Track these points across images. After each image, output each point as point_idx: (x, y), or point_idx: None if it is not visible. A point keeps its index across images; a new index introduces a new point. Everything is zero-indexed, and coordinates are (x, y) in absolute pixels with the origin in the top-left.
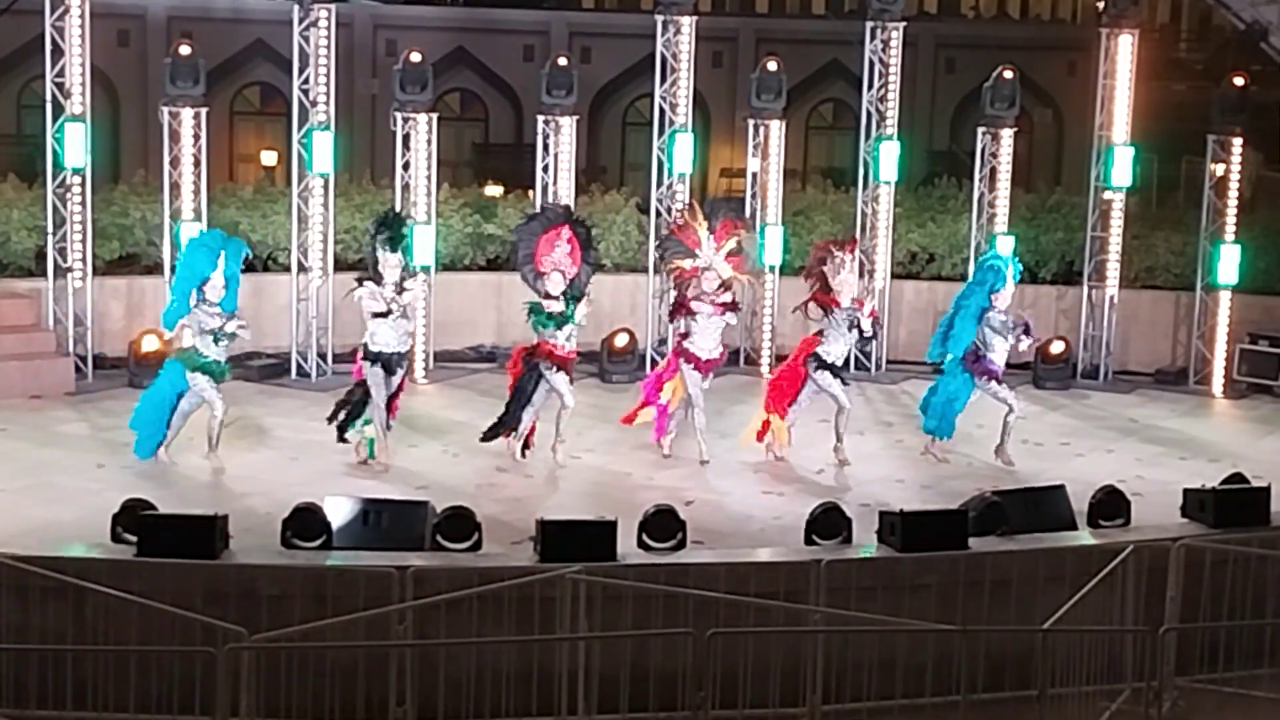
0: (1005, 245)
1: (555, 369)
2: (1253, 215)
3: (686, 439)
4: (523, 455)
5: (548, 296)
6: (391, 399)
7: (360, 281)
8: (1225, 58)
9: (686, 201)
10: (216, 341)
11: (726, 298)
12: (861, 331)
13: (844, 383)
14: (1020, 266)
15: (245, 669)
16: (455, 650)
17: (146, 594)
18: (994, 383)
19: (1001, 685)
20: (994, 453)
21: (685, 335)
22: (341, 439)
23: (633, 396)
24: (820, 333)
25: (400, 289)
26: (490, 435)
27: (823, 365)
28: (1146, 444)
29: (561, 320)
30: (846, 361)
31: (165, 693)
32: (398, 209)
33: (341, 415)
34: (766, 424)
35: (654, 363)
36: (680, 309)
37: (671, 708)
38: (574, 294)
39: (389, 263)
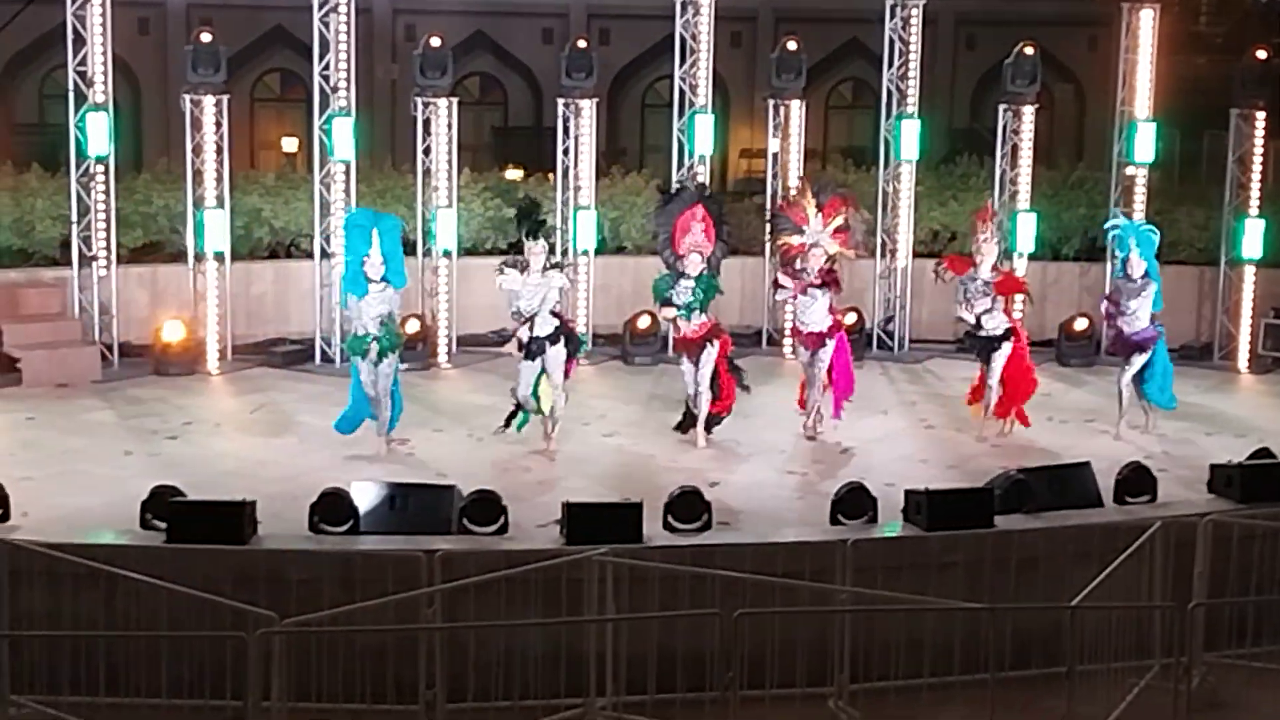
0: (1025, 222)
1: (681, 350)
2: (1275, 188)
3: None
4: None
5: (684, 277)
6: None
7: (502, 268)
8: (1245, 31)
9: (800, 179)
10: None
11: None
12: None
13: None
14: (1150, 232)
15: (276, 653)
16: (483, 633)
17: (176, 580)
18: (1136, 352)
19: (1029, 663)
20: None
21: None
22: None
23: (655, 378)
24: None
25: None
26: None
27: (972, 336)
28: (1172, 419)
29: (694, 304)
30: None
31: (196, 677)
32: (419, 193)
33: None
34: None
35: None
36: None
37: (699, 688)
38: (713, 270)
39: (533, 250)
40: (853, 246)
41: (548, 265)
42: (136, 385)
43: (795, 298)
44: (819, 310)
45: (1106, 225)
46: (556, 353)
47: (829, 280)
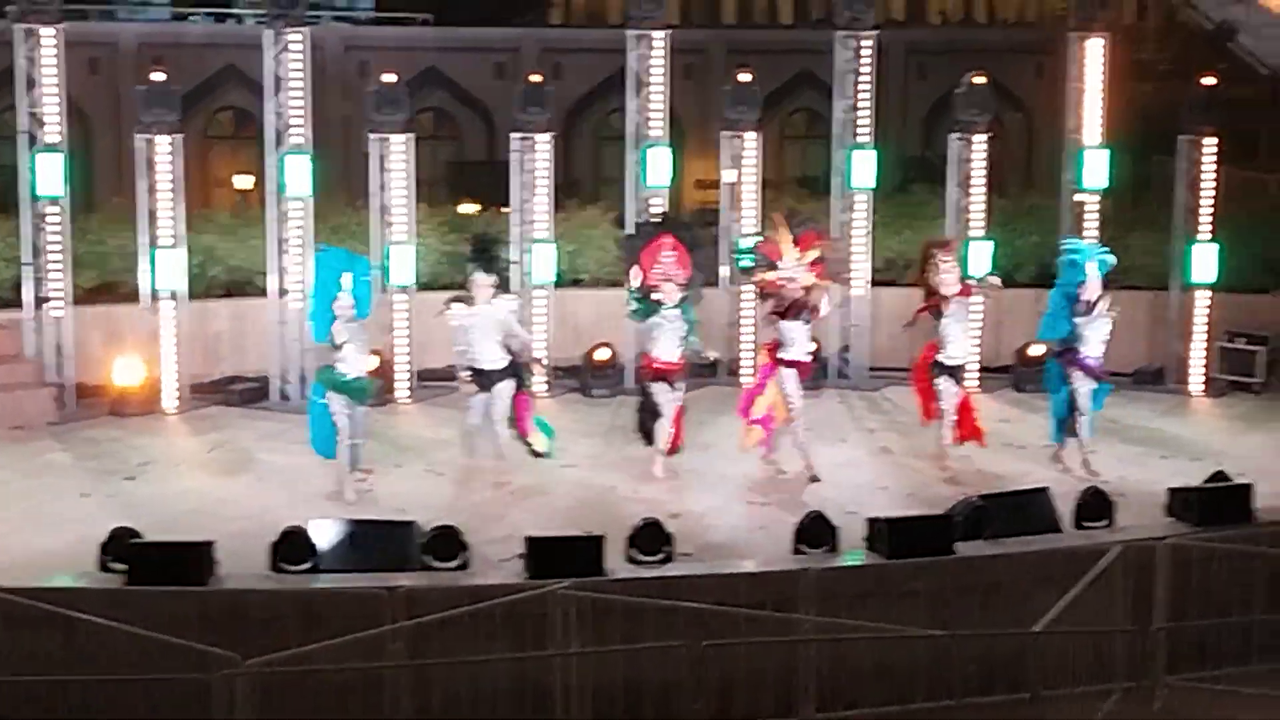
0: (981, 250)
1: (656, 380)
2: (1226, 213)
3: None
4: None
5: (664, 307)
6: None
7: (447, 304)
8: (1192, 57)
9: (777, 214)
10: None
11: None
12: None
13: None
14: (1103, 254)
15: (239, 694)
16: (449, 669)
17: (138, 622)
18: (1085, 378)
19: (994, 689)
20: (1080, 467)
21: (777, 345)
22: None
23: (614, 410)
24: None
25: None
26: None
27: (944, 370)
28: (1128, 444)
29: (686, 326)
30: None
31: None
32: (374, 230)
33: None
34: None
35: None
36: (783, 313)
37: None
38: (693, 300)
39: (480, 283)
40: (830, 277)
41: (494, 295)
42: (92, 426)
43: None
44: (805, 340)
45: (1065, 245)
46: (504, 388)
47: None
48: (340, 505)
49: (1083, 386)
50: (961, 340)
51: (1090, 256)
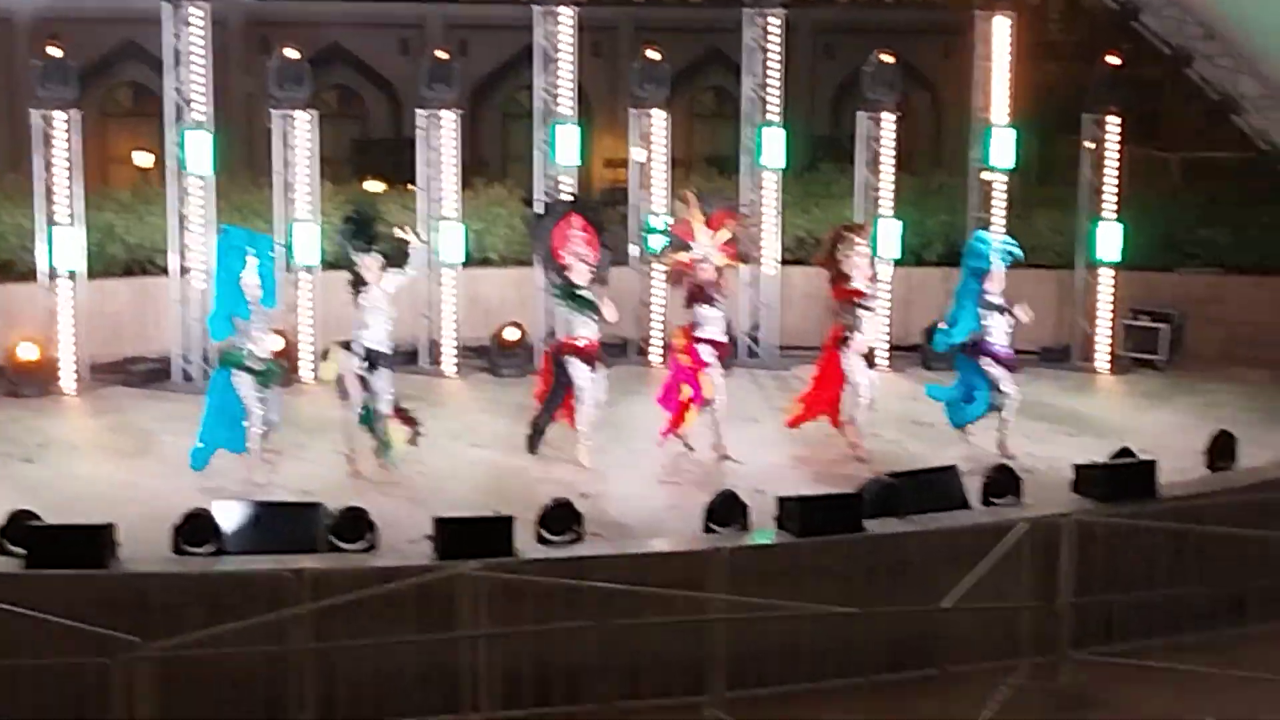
0: (889, 228)
1: (578, 361)
2: (1130, 192)
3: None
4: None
5: (575, 287)
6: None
7: (355, 288)
8: (1097, 37)
9: (685, 193)
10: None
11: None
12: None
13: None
14: (1013, 247)
15: (140, 679)
16: (356, 652)
17: (36, 606)
18: (995, 366)
19: (903, 665)
20: (996, 446)
21: (694, 326)
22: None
23: (524, 390)
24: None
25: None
26: (532, 445)
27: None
28: (1035, 421)
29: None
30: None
31: (60, 706)
32: (277, 208)
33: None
34: (800, 419)
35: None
36: (695, 297)
37: (576, 701)
38: (601, 279)
39: (367, 264)
40: (741, 258)
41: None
42: None
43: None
44: (722, 322)
45: (979, 235)
46: (387, 374)
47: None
48: (245, 486)
49: (997, 371)
50: (873, 324)
51: (995, 249)
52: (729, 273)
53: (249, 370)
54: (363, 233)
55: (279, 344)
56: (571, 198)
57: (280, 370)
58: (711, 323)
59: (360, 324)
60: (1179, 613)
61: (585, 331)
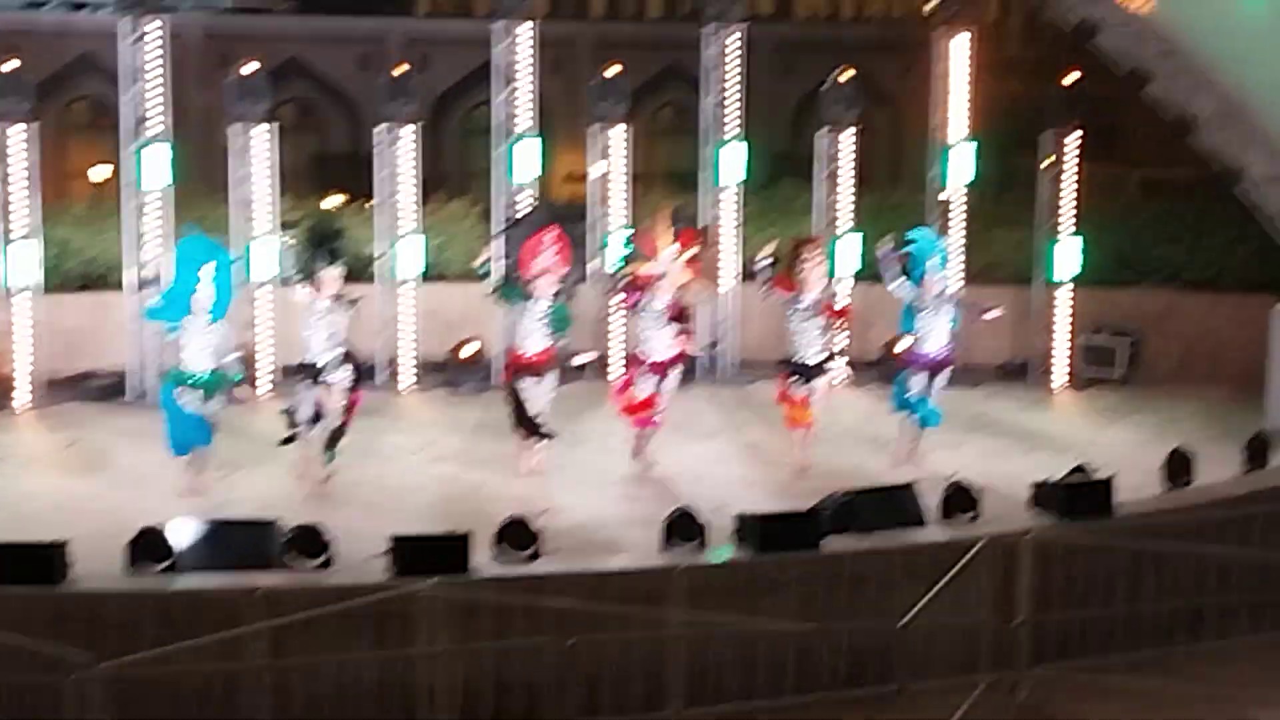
0: (849, 245)
1: (523, 375)
2: (1088, 208)
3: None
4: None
5: (535, 301)
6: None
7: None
8: (1056, 54)
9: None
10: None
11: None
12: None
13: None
14: (938, 247)
15: (93, 698)
16: (312, 670)
17: None
18: (918, 374)
19: (862, 681)
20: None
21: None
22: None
23: (483, 405)
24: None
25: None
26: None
27: (795, 371)
28: (993, 438)
29: (560, 321)
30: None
31: None
32: (233, 223)
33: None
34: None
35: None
36: (625, 300)
37: (535, 718)
38: (567, 295)
39: (329, 277)
40: (701, 278)
41: (341, 295)
42: None
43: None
44: (663, 340)
45: (908, 236)
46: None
47: (678, 315)
48: (199, 504)
49: (916, 382)
50: (815, 341)
51: (929, 252)
52: (692, 290)
53: (186, 384)
54: (326, 246)
55: (227, 354)
56: (549, 209)
57: (222, 379)
58: (653, 338)
59: (311, 337)
60: (1137, 629)
61: (530, 344)
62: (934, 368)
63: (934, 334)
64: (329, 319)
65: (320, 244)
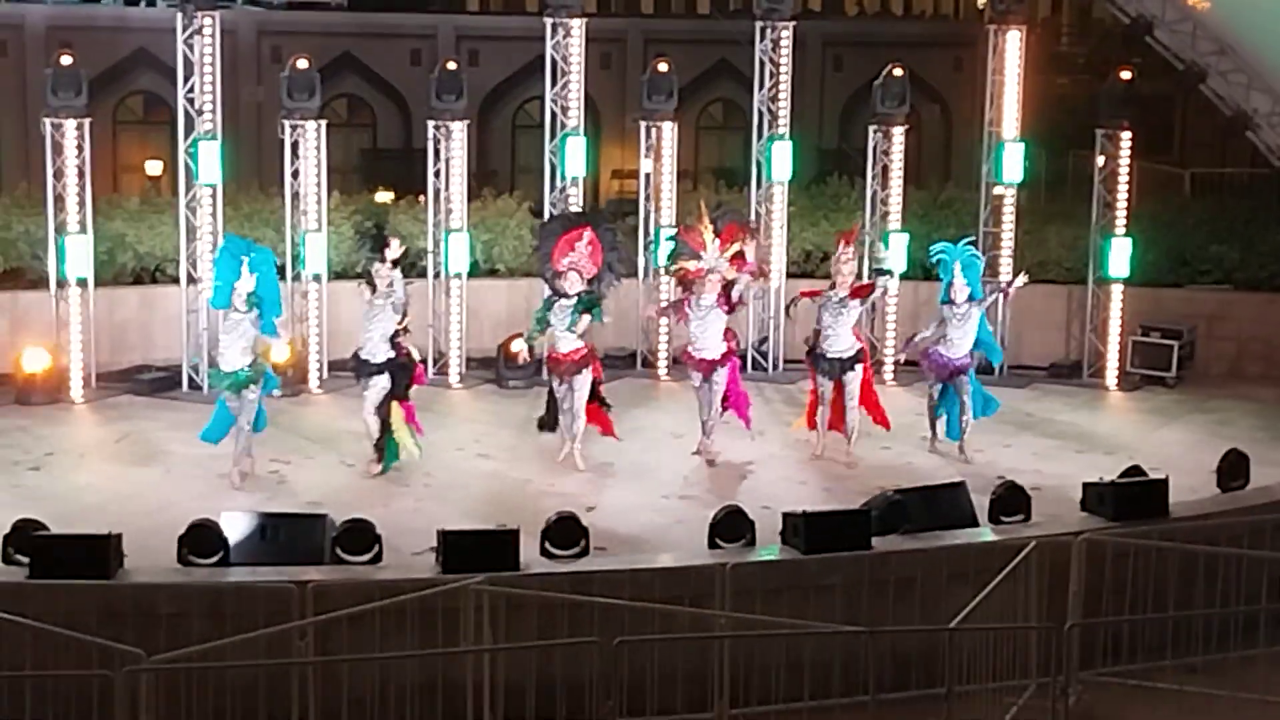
0: (899, 242)
1: (551, 374)
2: (1141, 207)
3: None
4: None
5: (563, 295)
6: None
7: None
8: (1108, 51)
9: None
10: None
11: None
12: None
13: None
14: (972, 254)
15: (144, 691)
16: (358, 665)
17: (40, 616)
18: (956, 376)
19: (908, 684)
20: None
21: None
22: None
23: (530, 401)
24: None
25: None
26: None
27: (819, 363)
28: (1043, 438)
29: (571, 324)
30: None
31: (62, 717)
32: (287, 217)
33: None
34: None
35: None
36: (673, 308)
37: (579, 716)
38: (596, 293)
39: (381, 274)
40: (751, 273)
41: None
42: None
43: (685, 321)
44: (714, 336)
45: (932, 250)
46: (379, 381)
47: (729, 304)
48: (251, 497)
49: (935, 384)
50: (845, 334)
51: (957, 257)
52: (739, 286)
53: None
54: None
55: (283, 354)
56: (588, 210)
57: (251, 375)
58: (699, 337)
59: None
60: (1189, 634)
61: (563, 345)
62: (954, 372)
63: (961, 340)
64: (376, 313)
65: (375, 246)
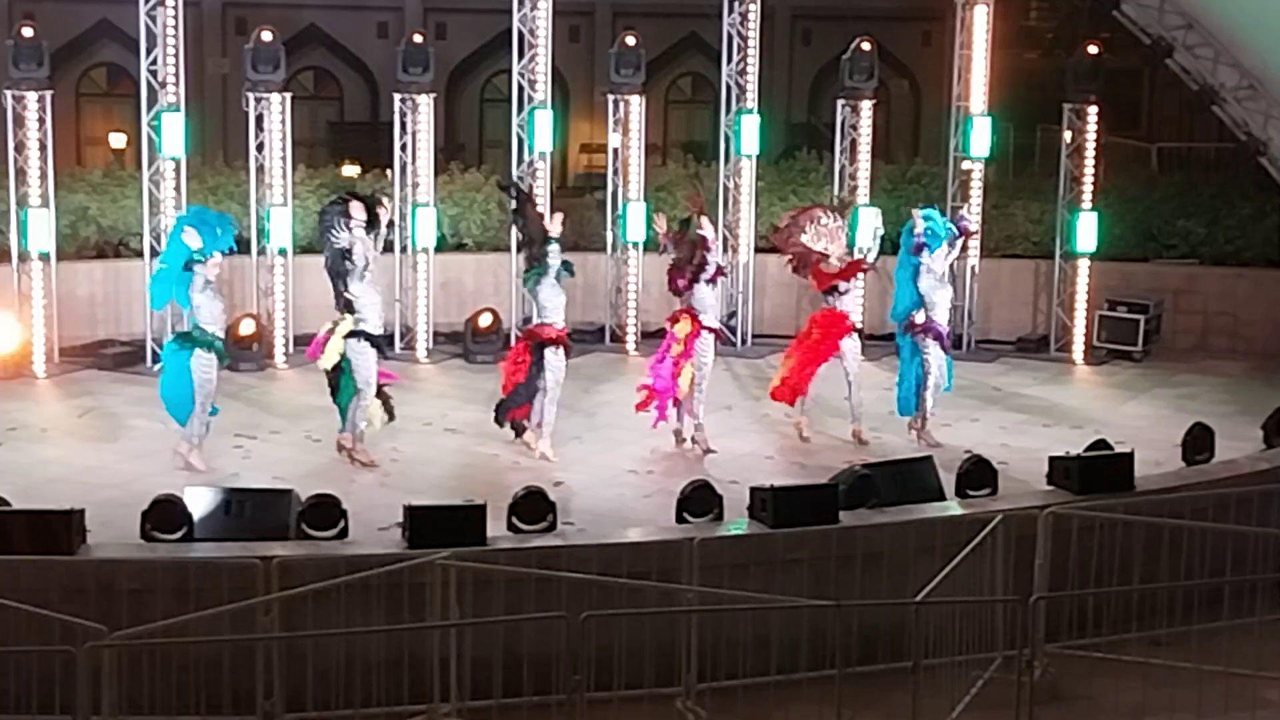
0: (869, 216)
1: (552, 349)
2: (1108, 182)
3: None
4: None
5: (553, 242)
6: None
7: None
8: (1076, 26)
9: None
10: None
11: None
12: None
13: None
14: (944, 223)
15: (106, 667)
16: (323, 641)
17: (1, 592)
18: (935, 344)
19: (875, 658)
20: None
21: (696, 311)
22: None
23: (496, 377)
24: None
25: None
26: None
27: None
28: (1010, 412)
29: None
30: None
31: (24, 693)
32: (252, 191)
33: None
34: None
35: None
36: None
37: (546, 692)
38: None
39: (369, 244)
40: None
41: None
42: None
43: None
44: (716, 305)
45: (921, 214)
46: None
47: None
48: (215, 473)
49: (935, 354)
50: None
51: (944, 225)
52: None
53: (208, 347)
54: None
55: (249, 326)
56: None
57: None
58: (710, 309)
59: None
60: (1153, 607)
61: (556, 319)
62: (942, 338)
63: (944, 305)
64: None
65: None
